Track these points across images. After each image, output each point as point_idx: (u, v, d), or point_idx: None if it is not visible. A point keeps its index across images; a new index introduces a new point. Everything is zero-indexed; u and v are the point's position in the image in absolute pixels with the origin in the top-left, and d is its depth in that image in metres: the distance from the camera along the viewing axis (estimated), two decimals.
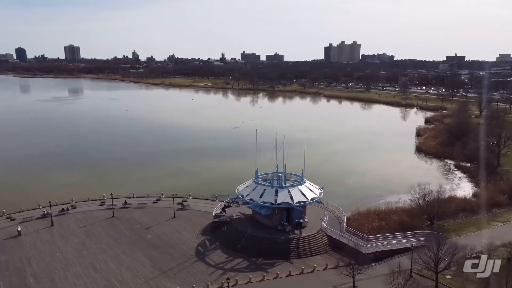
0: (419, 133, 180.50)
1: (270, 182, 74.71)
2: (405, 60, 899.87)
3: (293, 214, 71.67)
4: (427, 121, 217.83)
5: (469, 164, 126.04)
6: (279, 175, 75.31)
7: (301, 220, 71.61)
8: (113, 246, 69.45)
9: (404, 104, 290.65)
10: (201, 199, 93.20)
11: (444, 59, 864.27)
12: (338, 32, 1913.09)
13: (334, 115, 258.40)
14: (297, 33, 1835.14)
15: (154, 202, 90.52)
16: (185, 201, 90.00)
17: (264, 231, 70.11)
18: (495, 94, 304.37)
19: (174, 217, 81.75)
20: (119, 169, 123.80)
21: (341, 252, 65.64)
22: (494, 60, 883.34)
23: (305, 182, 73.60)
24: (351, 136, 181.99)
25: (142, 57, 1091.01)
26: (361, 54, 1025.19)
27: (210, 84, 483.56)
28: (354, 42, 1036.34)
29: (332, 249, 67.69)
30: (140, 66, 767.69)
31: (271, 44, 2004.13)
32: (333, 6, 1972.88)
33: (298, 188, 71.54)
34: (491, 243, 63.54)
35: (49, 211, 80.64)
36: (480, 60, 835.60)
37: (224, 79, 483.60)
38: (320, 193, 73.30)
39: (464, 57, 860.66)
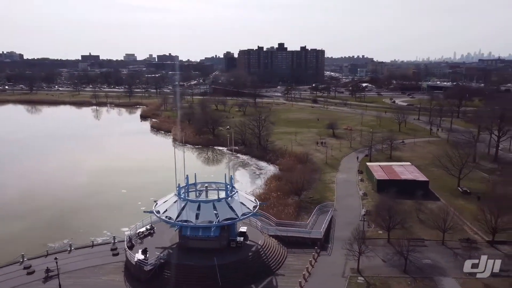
0: (159, 127, 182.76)
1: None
2: (38, 58, 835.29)
3: (235, 226, 62.06)
4: (143, 116, 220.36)
5: (237, 147, 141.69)
6: (206, 186, 62.37)
7: (243, 230, 63.19)
8: None
9: (95, 103, 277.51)
10: (46, 256, 62.34)
11: (80, 58, 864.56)
12: None
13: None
14: None
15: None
16: (30, 266, 58.36)
17: (223, 256, 57.14)
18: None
19: None
20: None
21: (301, 246, 64.03)
22: (122, 58, 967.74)
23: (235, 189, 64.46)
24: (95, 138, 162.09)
25: None
26: None
27: None
28: None
29: (289, 246, 64.20)
30: None
31: None
32: None
33: (239, 195, 62.30)
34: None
35: None
36: (111, 59, 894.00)
37: None
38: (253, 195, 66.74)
39: (99, 56, 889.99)
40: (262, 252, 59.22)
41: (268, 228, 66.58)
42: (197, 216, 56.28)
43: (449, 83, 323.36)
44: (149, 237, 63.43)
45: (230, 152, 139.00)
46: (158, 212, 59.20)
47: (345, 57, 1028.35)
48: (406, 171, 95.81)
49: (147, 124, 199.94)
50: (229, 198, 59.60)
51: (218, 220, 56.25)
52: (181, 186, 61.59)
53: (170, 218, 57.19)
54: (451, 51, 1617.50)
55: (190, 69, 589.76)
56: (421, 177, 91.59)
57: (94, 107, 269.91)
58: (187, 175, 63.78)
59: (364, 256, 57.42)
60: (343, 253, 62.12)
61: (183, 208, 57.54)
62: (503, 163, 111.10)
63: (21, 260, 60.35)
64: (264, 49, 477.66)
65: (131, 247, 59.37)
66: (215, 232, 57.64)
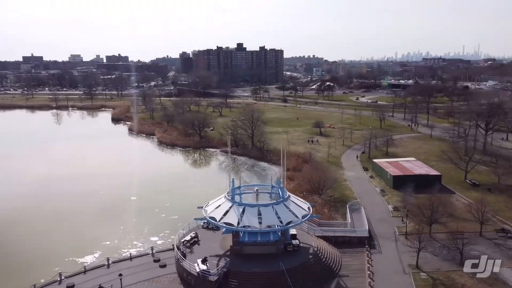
0: (139, 130, 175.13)
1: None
2: None
3: (288, 230, 60.13)
4: (115, 119, 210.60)
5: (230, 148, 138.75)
6: (257, 189, 60.05)
7: (293, 232, 61.51)
8: None
9: (55, 106, 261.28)
10: (84, 272, 57.24)
11: (21, 59, 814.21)
12: None
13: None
14: None
15: None
16: (73, 285, 53.50)
17: (285, 260, 54.87)
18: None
19: None
20: None
21: (349, 245, 63.54)
22: (68, 59, 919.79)
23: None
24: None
25: None
26: None
27: None
28: None
29: (337, 246, 63.40)
30: None
31: None
32: None
33: (292, 196, 60.69)
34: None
35: None
36: (57, 60, 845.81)
37: None
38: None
39: (42, 57, 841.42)
40: (320, 254, 58.00)
41: (314, 229, 65.38)
42: (260, 221, 53.92)
43: (409, 81, 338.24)
44: (196, 245, 60.06)
45: (226, 154, 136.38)
46: (213, 219, 56.08)
47: (297, 57, 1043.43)
48: (415, 166, 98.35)
49: (121, 127, 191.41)
50: (287, 201, 57.72)
51: (282, 224, 54.27)
52: (231, 189, 58.79)
53: (231, 224, 54.32)
54: (392, 51, 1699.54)
55: (144, 70, 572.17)
56: (432, 171, 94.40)
57: (54, 110, 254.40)
58: (233, 179, 61.10)
59: (422, 252, 57.88)
60: (393, 249, 62.85)
61: (242, 213, 54.90)
62: (492, 155, 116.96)
63: (58, 279, 54.83)
64: (223, 49, 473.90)
65: (184, 254, 55.81)
66: (276, 237, 55.69)
